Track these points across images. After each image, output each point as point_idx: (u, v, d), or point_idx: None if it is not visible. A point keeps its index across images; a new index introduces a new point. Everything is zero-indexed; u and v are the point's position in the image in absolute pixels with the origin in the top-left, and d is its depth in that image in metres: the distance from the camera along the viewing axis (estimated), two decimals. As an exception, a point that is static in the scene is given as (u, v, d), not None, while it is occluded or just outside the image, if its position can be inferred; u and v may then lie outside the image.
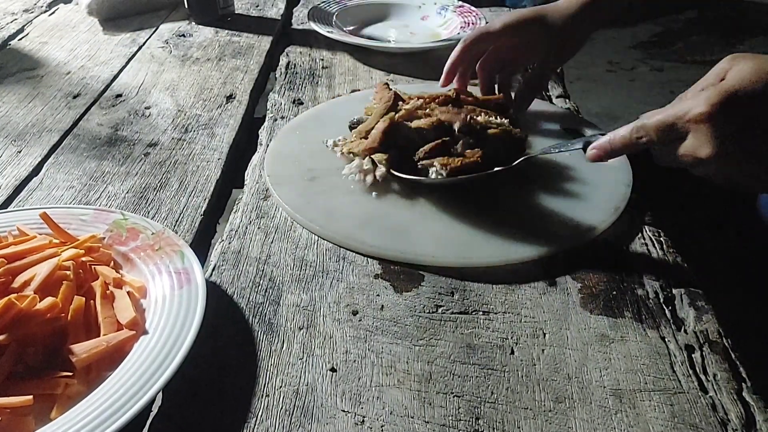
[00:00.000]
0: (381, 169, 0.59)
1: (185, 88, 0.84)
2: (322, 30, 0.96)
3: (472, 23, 0.99)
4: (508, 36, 0.69)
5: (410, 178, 0.59)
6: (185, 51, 0.95)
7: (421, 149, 0.60)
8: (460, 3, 1.06)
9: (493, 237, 0.54)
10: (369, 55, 0.92)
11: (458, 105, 0.66)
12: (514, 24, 0.68)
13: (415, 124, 0.62)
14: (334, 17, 1.02)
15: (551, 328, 0.46)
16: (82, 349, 0.41)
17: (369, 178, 0.60)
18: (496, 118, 0.64)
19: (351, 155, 0.63)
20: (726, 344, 0.45)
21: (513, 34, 0.68)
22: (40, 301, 0.42)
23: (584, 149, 0.53)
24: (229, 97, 0.81)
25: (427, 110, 0.65)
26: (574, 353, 0.44)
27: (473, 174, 0.58)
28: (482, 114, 0.65)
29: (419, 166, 0.60)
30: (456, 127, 0.61)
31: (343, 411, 0.40)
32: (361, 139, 0.63)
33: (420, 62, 0.91)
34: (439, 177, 0.58)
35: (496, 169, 0.58)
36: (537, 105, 0.77)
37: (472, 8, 1.03)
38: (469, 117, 0.62)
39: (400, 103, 0.66)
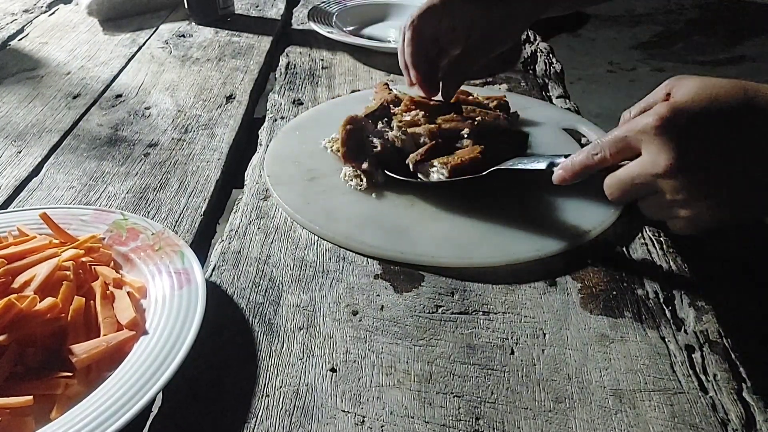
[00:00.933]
0: (377, 175, 0.60)
1: (185, 89, 0.84)
2: (322, 30, 0.96)
3: None
4: (448, 16, 0.65)
5: (412, 181, 0.59)
6: (185, 51, 0.95)
7: (415, 152, 0.60)
8: None
9: (493, 237, 0.54)
10: (369, 55, 0.92)
11: (458, 111, 0.66)
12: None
13: (411, 130, 0.62)
14: (334, 17, 1.02)
15: (551, 329, 0.46)
16: (82, 349, 0.41)
17: (363, 182, 0.60)
18: (497, 119, 0.64)
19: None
20: (726, 344, 0.45)
21: (452, 13, 0.65)
22: (40, 302, 0.42)
23: (550, 168, 0.53)
24: (229, 98, 0.81)
25: (419, 117, 0.64)
26: (574, 353, 0.44)
27: (474, 174, 0.58)
28: (483, 116, 0.65)
29: (416, 169, 0.60)
30: (464, 133, 0.62)
31: (343, 411, 0.40)
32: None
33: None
34: (441, 177, 0.57)
35: (492, 168, 0.58)
36: (537, 105, 0.77)
37: None
38: (476, 122, 0.62)
39: (397, 108, 0.66)
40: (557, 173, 0.52)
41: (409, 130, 0.62)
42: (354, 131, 0.61)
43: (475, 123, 0.63)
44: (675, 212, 0.47)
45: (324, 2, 1.07)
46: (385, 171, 0.60)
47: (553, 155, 0.54)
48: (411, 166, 0.59)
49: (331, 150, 0.65)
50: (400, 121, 0.64)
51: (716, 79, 0.45)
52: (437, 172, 0.58)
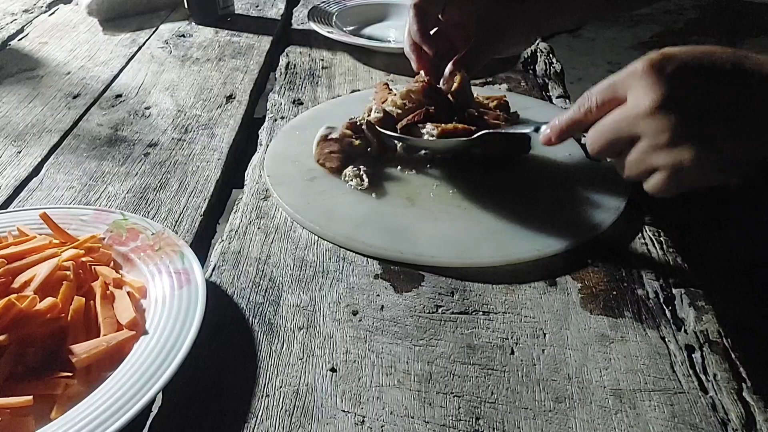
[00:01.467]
0: (365, 173, 0.61)
1: (185, 89, 0.84)
2: (322, 30, 0.96)
3: None
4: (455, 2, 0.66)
5: (400, 137, 0.61)
6: (185, 51, 0.95)
7: (405, 118, 0.61)
8: None
9: (493, 237, 0.54)
10: (369, 55, 0.92)
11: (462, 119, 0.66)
12: None
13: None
14: (334, 17, 1.02)
15: (551, 328, 0.46)
16: (82, 349, 0.41)
17: (364, 183, 0.60)
18: (499, 120, 0.64)
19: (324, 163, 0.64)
20: (726, 344, 0.45)
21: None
22: (40, 302, 0.42)
23: (536, 132, 0.52)
24: (229, 98, 0.81)
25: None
26: (574, 353, 0.44)
27: (463, 138, 0.58)
28: (488, 117, 0.65)
29: (407, 132, 0.61)
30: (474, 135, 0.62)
31: (343, 411, 0.40)
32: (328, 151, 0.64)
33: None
34: (431, 137, 0.58)
35: (480, 133, 0.58)
36: (537, 105, 0.77)
37: None
38: (484, 132, 0.63)
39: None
40: (544, 133, 0.51)
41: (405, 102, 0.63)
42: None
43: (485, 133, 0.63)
44: (655, 162, 0.44)
45: (324, 2, 1.07)
46: (380, 130, 0.62)
47: (541, 122, 0.53)
48: (399, 129, 0.62)
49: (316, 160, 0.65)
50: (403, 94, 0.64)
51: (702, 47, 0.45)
52: (428, 133, 0.59)
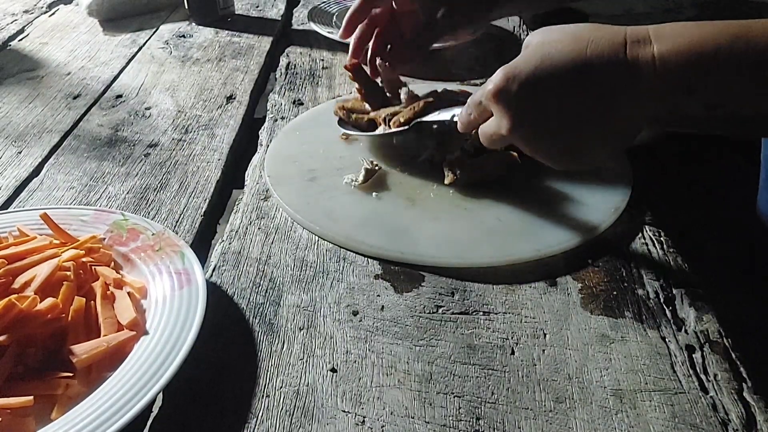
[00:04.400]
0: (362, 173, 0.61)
1: (185, 89, 0.84)
2: (323, 30, 0.96)
3: None
4: None
5: (363, 134, 0.65)
6: (185, 52, 0.95)
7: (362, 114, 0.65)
8: None
9: (493, 237, 0.54)
10: (369, 56, 0.92)
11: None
12: None
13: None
14: (334, 17, 1.02)
15: (552, 329, 0.46)
16: (83, 349, 0.41)
17: (361, 178, 0.60)
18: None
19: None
20: (726, 344, 0.45)
21: None
22: (40, 302, 0.42)
23: (453, 120, 0.56)
24: (230, 98, 0.81)
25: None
26: (574, 353, 0.44)
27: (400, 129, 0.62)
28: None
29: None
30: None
31: (344, 411, 0.40)
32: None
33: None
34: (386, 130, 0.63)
35: (415, 121, 0.61)
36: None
37: None
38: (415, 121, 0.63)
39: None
40: (459, 124, 0.55)
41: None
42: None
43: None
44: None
45: (324, 2, 1.07)
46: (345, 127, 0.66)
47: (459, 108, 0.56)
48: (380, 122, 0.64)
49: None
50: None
51: (560, 31, 0.47)
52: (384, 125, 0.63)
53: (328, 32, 0.95)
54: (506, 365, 0.43)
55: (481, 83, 0.81)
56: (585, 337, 0.46)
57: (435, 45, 0.76)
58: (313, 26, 0.97)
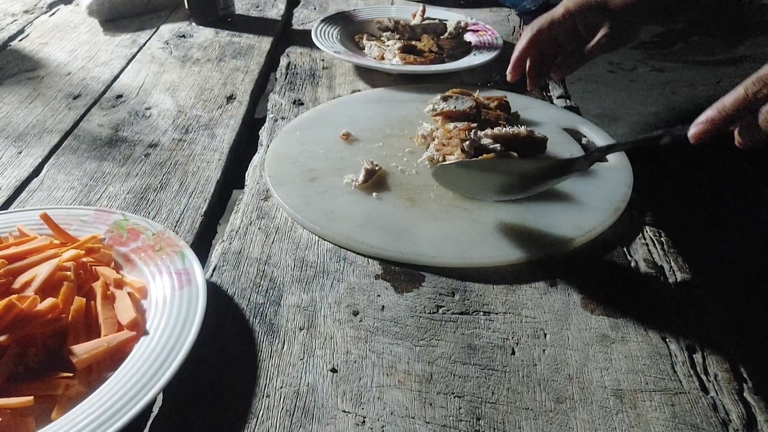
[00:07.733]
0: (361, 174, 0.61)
1: (185, 89, 0.84)
2: (329, 50, 0.88)
3: (488, 43, 0.93)
4: (570, 22, 0.69)
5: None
6: (185, 52, 0.95)
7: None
8: (474, 21, 0.99)
9: (493, 237, 0.54)
10: (369, 56, 0.92)
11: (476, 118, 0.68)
12: (577, 10, 0.69)
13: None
14: (337, 39, 0.95)
15: (552, 329, 0.46)
16: (83, 349, 0.41)
17: (361, 178, 0.61)
18: (507, 124, 0.66)
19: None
20: (727, 344, 0.45)
21: (575, 19, 0.69)
22: (40, 302, 0.42)
23: (668, 137, 0.49)
24: (230, 98, 0.81)
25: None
26: (574, 353, 0.44)
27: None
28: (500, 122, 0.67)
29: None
30: (490, 143, 0.63)
31: (344, 411, 0.40)
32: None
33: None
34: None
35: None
36: (538, 105, 0.77)
37: (487, 26, 0.98)
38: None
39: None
40: (695, 128, 0.47)
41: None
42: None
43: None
44: None
45: (326, 21, 0.99)
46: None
47: (664, 130, 0.50)
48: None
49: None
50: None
51: None
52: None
53: (335, 52, 0.88)
54: (506, 365, 0.43)
55: (488, 84, 0.81)
56: (585, 337, 0.46)
57: None
58: (318, 44, 0.90)
